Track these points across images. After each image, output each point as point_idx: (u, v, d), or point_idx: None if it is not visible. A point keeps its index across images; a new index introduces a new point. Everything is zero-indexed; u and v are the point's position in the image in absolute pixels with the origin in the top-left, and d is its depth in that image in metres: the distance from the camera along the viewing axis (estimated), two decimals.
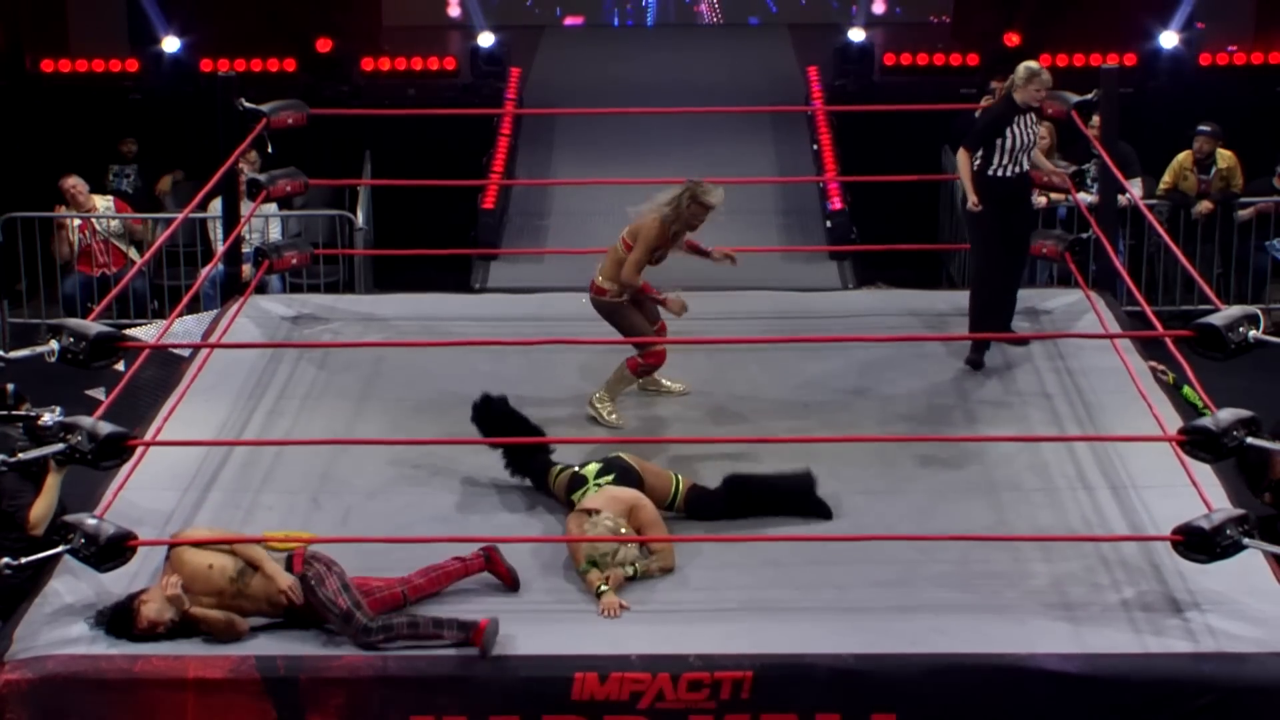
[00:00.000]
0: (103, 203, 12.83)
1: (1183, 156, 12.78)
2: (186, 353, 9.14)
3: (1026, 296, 10.16)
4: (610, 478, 7.41)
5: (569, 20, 18.00)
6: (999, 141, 9.01)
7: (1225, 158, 12.72)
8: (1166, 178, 12.80)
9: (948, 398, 8.77)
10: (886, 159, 12.02)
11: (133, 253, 12.68)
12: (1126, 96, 11.18)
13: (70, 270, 12.71)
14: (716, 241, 8.12)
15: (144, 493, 7.55)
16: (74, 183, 12.64)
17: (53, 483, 7.30)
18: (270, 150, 10.11)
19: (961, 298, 9.53)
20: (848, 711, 6.48)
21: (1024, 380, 8.93)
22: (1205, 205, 12.52)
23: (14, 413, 7.42)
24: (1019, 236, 9.36)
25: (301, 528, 7.44)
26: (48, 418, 7.33)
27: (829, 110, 14.28)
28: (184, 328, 10.00)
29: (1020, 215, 9.28)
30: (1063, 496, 7.72)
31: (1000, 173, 9.05)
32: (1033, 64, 9.13)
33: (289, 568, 6.73)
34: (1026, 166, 9.13)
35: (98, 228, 12.66)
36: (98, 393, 8.95)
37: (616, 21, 18.13)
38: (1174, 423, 7.81)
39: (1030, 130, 9.11)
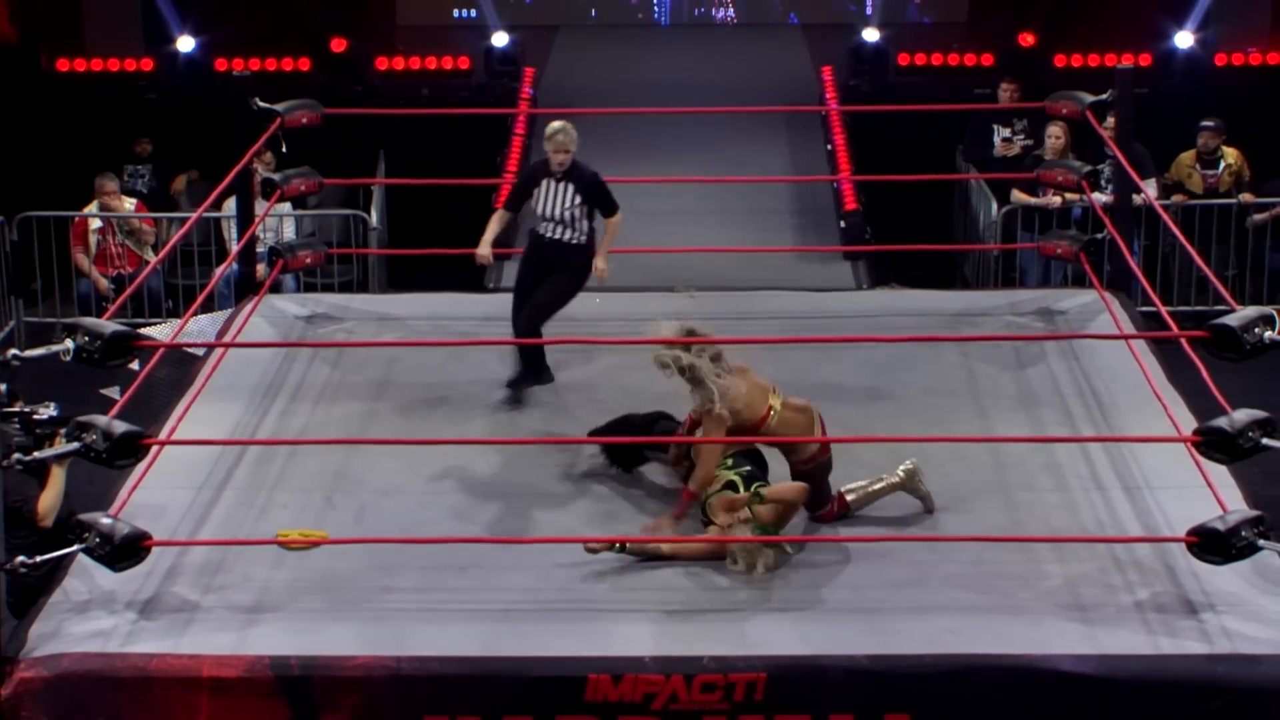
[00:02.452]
0: (128, 205, 12.84)
1: (1185, 155, 12.76)
2: (201, 352, 9.15)
3: (1043, 296, 10.18)
4: (747, 468, 7.43)
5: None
6: (530, 203, 8.57)
7: (1231, 154, 12.70)
8: (1170, 176, 12.78)
9: (961, 398, 8.76)
10: (901, 159, 12.01)
11: (148, 253, 12.70)
12: (1141, 97, 11.14)
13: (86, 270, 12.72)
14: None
15: (159, 492, 7.56)
16: (113, 188, 12.63)
17: (57, 473, 7.32)
18: (285, 150, 10.11)
19: (975, 297, 9.51)
20: (861, 713, 6.47)
21: (1038, 380, 8.91)
22: (1246, 196, 12.48)
23: (7, 410, 7.42)
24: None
25: (315, 526, 7.46)
26: (44, 412, 7.32)
27: (843, 110, 14.26)
28: (198, 327, 10.00)
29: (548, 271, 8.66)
30: (1076, 497, 7.71)
31: (541, 230, 8.62)
32: (554, 123, 8.49)
33: None
34: (572, 237, 8.54)
35: (119, 230, 12.67)
36: (112, 392, 8.96)
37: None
38: (1189, 423, 7.80)
39: (562, 197, 8.45)
